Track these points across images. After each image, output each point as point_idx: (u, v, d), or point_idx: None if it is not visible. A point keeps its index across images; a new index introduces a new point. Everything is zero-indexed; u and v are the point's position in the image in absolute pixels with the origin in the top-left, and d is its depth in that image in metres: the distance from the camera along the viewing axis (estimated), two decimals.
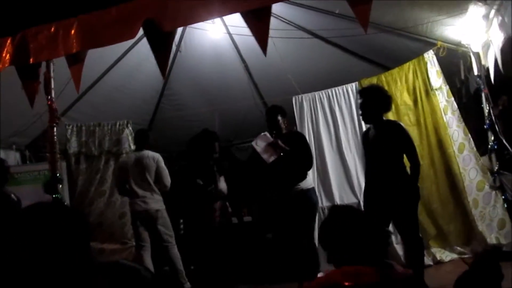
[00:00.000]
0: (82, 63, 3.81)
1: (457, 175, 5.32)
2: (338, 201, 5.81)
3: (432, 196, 5.45)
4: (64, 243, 1.39)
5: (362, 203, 5.31)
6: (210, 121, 6.77)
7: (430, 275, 4.47)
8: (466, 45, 5.33)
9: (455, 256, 5.27)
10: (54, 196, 3.70)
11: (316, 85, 6.31)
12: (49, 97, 3.95)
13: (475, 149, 5.33)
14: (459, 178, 5.32)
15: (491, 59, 4.84)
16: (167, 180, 5.28)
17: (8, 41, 3.62)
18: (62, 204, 3.68)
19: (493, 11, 4.58)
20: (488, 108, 5.27)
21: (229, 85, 7.05)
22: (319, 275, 5.25)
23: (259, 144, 4.93)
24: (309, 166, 5.01)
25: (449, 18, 4.99)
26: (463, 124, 5.39)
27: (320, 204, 5.80)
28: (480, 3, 4.61)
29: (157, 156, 5.49)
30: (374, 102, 4.30)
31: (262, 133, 5.04)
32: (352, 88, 5.95)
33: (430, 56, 5.52)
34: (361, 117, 4.55)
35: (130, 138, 6.43)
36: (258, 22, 2.99)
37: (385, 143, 4.24)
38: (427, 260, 5.25)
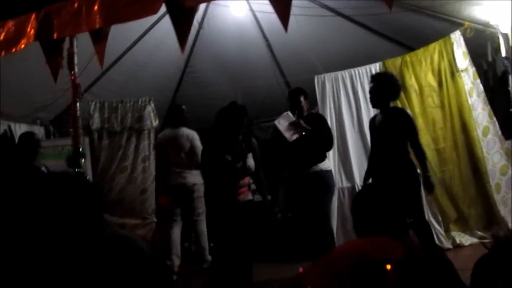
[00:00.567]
0: (105, 39, 3.83)
1: (481, 159, 5.25)
2: (358, 182, 5.79)
3: (454, 180, 5.39)
4: (79, 211, 1.43)
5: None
6: (231, 99, 6.74)
7: (449, 258, 4.45)
8: (495, 26, 5.20)
9: (475, 240, 5.23)
10: (76, 170, 3.76)
11: (339, 64, 6.24)
12: (72, 72, 3.98)
13: (500, 132, 5.24)
14: (482, 162, 5.25)
15: None
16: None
17: (33, 16, 3.64)
18: (82, 177, 3.76)
19: None
20: None
21: (251, 64, 7.02)
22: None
23: (281, 123, 4.99)
24: (329, 147, 5.09)
25: None
26: (489, 107, 5.29)
27: (340, 185, 5.82)
28: None
29: (192, 134, 5.65)
30: (384, 89, 4.43)
31: (285, 113, 5.08)
32: (375, 68, 5.86)
33: (456, 37, 5.40)
34: (370, 102, 4.69)
35: (152, 115, 6.45)
36: None
37: (391, 130, 4.36)
38: (447, 243, 5.23)
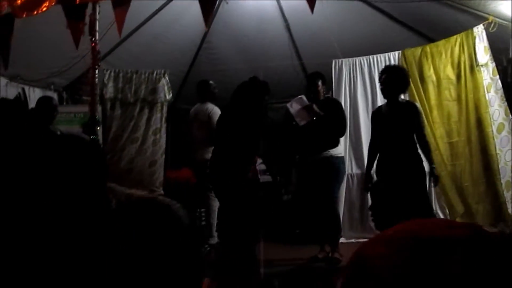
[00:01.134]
0: (127, 7, 3.81)
1: (493, 156, 5.22)
2: None
3: (464, 174, 5.38)
4: (84, 176, 1.43)
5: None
6: (246, 78, 6.72)
7: None
8: None
9: None
10: (91, 137, 3.77)
11: (358, 50, 6.20)
12: (93, 39, 3.96)
13: None
14: (495, 159, 5.21)
15: None
16: None
17: None
18: (96, 142, 3.77)
19: None
20: None
21: (268, 44, 6.96)
22: (341, 240, 5.35)
23: (294, 107, 4.99)
24: (342, 133, 5.10)
25: None
26: (505, 104, 5.24)
27: (349, 171, 5.82)
28: None
29: (211, 108, 5.65)
30: (395, 81, 4.46)
31: (299, 96, 5.07)
32: (394, 57, 5.83)
33: (479, 31, 5.33)
34: (381, 92, 4.71)
35: (166, 87, 6.47)
36: None
37: (398, 122, 4.42)
38: None
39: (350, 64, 6.06)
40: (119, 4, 3.83)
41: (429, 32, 6.07)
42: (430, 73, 5.57)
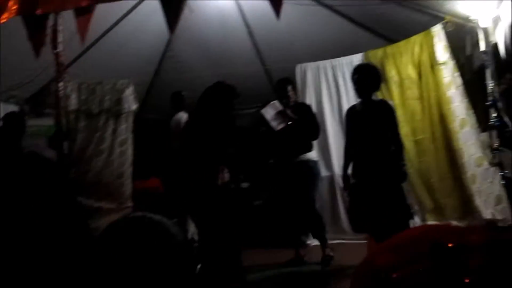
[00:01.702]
0: (90, 17, 3.76)
1: (457, 151, 5.33)
2: (337, 171, 5.87)
3: (431, 170, 5.48)
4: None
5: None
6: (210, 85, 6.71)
7: None
8: (474, 21, 5.29)
9: None
10: (58, 150, 3.69)
11: (321, 54, 6.29)
12: (56, 50, 3.89)
13: (476, 125, 5.34)
14: (459, 154, 5.32)
15: (500, 35, 4.83)
16: None
17: None
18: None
19: None
20: (492, 85, 5.28)
21: (232, 50, 6.97)
22: (315, 242, 5.37)
23: (268, 112, 5.04)
24: (316, 136, 5.11)
25: None
26: (466, 99, 5.36)
27: None
28: None
29: (185, 117, 5.72)
30: (368, 80, 4.47)
31: (272, 102, 5.13)
32: (357, 59, 5.93)
33: (437, 30, 5.46)
34: (355, 92, 4.67)
35: (131, 98, 6.39)
36: None
37: (373, 120, 4.40)
38: None
39: (314, 68, 6.13)
40: (82, 13, 3.78)
41: (390, 34, 6.19)
42: (392, 73, 5.68)
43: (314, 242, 5.83)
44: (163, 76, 7.17)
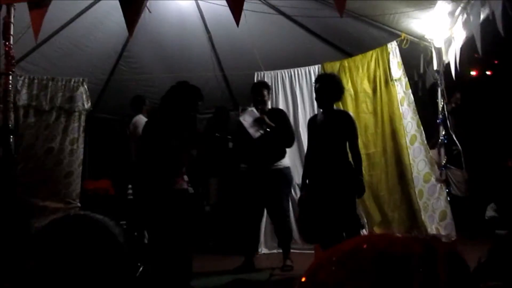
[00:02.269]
0: (44, 10, 3.66)
1: (407, 166, 5.46)
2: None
3: (381, 184, 5.60)
4: None
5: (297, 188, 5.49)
6: (167, 88, 6.63)
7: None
8: (429, 40, 5.45)
9: None
10: (3, 146, 3.56)
11: (279, 63, 6.33)
12: (7, 43, 3.76)
13: (425, 141, 5.47)
14: (408, 169, 5.46)
15: (451, 55, 4.99)
16: None
17: None
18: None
19: (459, 9, 4.71)
20: (442, 103, 5.45)
21: (190, 54, 6.93)
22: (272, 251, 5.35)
23: (246, 119, 5.01)
24: (291, 143, 5.14)
25: (416, 11, 5.08)
26: (417, 116, 5.50)
27: None
28: (448, 0, 4.72)
29: (137, 119, 5.84)
30: (329, 89, 4.46)
31: (250, 108, 5.15)
32: (314, 70, 6.02)
33: (393, 47, 5.60)
34: (315, 101, 4.72)
35: (84, 96, 6.26)
36: None
37: (332, 130, 4.41)
38: None
39: (272, 76, 6.18)
40: (36, 6, 3.68)
41: (347, 47, 6.31)
42: (348, 86, 5.75)
43: (263, 250, 5.86)
44: (118, 76, 7.03)
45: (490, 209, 6.19)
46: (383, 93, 5.68)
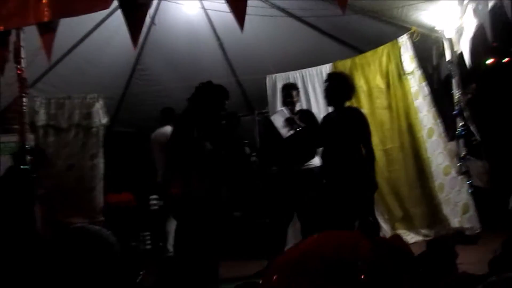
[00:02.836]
0: (54, 33, 3.72)
1: (425, 160, 5.41)
2: None
3: (400, 180, 5.54)
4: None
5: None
6: (182, 98, 6.67)
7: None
8: (440, 31, 5.39)
9: (419, 238, 5.37)
10: (22, 166, 3.64)
11: (290, 65, 6.32)
12: (19, 66, 3.84)
13: (443, 134, 5.41)
14: (427, 163, 5.40)
15: (464, 45, 4.92)
16: None
17: None
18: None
19: None
20: (458, 94, 5.37)
21: (202, 62, 6.95)
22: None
23: (277, 119, 5.04)
24: (321, 144, 5.07)
25: (424, 3, 5.03)
26: (434, 109, 5.45)
27: None
28: None
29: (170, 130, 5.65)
30: (339, 88, 4.43)
31: (280, 109, 5.19)
32: (326, 69, 5.98)
33: (404, 41, 5.56)
34: (325, 100, 4.66)
35: (101, 112, 6.35)
36: None
37: (346, 128, 4.35)
38: None
39: (283, 78, 6.16)
40: (46, 30, 3.74)
41: (358, 44, 6.26)
42: (361, 83, 5.72)
43: None
44: (133, 90, 7.11)
45: None
46: (396, 88, 5.63)
